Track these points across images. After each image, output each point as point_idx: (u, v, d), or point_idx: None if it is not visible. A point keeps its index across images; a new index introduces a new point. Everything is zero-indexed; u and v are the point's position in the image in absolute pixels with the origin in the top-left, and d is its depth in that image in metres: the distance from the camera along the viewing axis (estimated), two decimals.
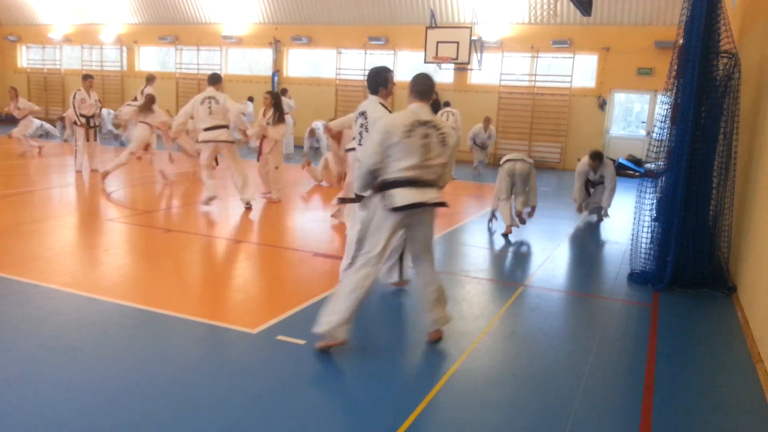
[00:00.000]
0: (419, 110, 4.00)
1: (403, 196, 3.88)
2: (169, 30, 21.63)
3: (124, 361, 3.77)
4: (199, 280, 5.65)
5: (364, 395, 3.57)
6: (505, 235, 7.74)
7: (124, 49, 22.71)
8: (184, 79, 21.42)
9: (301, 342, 4.11)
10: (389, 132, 3.87)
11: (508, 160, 7.84)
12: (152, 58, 22.85)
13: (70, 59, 23.91)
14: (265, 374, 3.70)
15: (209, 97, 8.39)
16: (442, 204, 4.07)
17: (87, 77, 12.10)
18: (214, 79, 8.57)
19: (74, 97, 11.79)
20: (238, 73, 21.22)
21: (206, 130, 8.45)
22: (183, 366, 3.74)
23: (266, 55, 20.68)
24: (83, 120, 11.77)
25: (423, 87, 4.07)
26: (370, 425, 3.22)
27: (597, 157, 9.10)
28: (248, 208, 8.81)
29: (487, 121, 15.03)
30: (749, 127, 6.06)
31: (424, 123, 3.94)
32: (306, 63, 20.67)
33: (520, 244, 7.64)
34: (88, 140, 11.90)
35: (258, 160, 9.79)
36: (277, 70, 20.24)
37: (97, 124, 12.22)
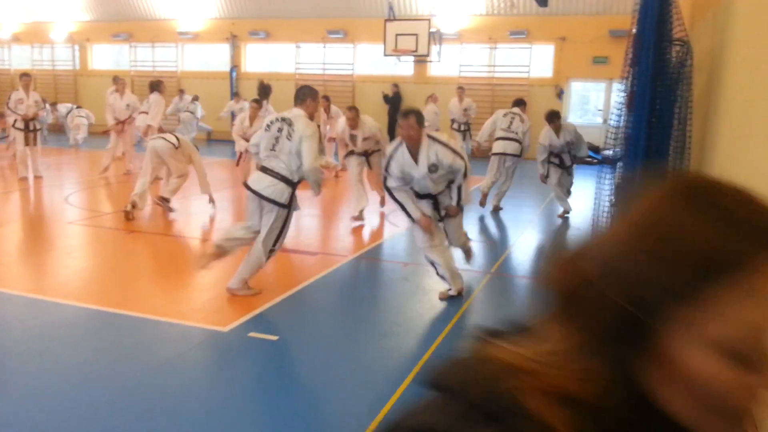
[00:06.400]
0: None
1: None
2: (123, 27, 21.15)
3: (93, 364, 3.72)
4: (165, 280, 5.58)
5: (336, 390, 3.60)
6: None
7: (77, 47, 22.12)
8: (139, 77, 20.92)
9: (274, 338, 4.12)
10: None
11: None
12: (106, 57, 22.33)
13: (20, 59, 23.15)
14: (238, 371, 3.70)
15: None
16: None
17: (23, 76, 11.21)
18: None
19: (9, 98, 10.87)
20: (195, 70, 20.89)
21: None
22: (154, 366, 3.70)
23: (223, 50, 20.39)
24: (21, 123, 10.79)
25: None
26: (342, 420, 3.25)
27: (554, 115, 8.77)
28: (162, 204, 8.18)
29: (460, 90, 15.09)
30: (702, 113, 6.25)
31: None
32: (264, 58, 20.48)
33: (485, 232, 7.74)
34: (27, 144, 10.76)
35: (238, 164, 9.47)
36: (235, 66, 19.99)
37: (37, 127, 11.08)
